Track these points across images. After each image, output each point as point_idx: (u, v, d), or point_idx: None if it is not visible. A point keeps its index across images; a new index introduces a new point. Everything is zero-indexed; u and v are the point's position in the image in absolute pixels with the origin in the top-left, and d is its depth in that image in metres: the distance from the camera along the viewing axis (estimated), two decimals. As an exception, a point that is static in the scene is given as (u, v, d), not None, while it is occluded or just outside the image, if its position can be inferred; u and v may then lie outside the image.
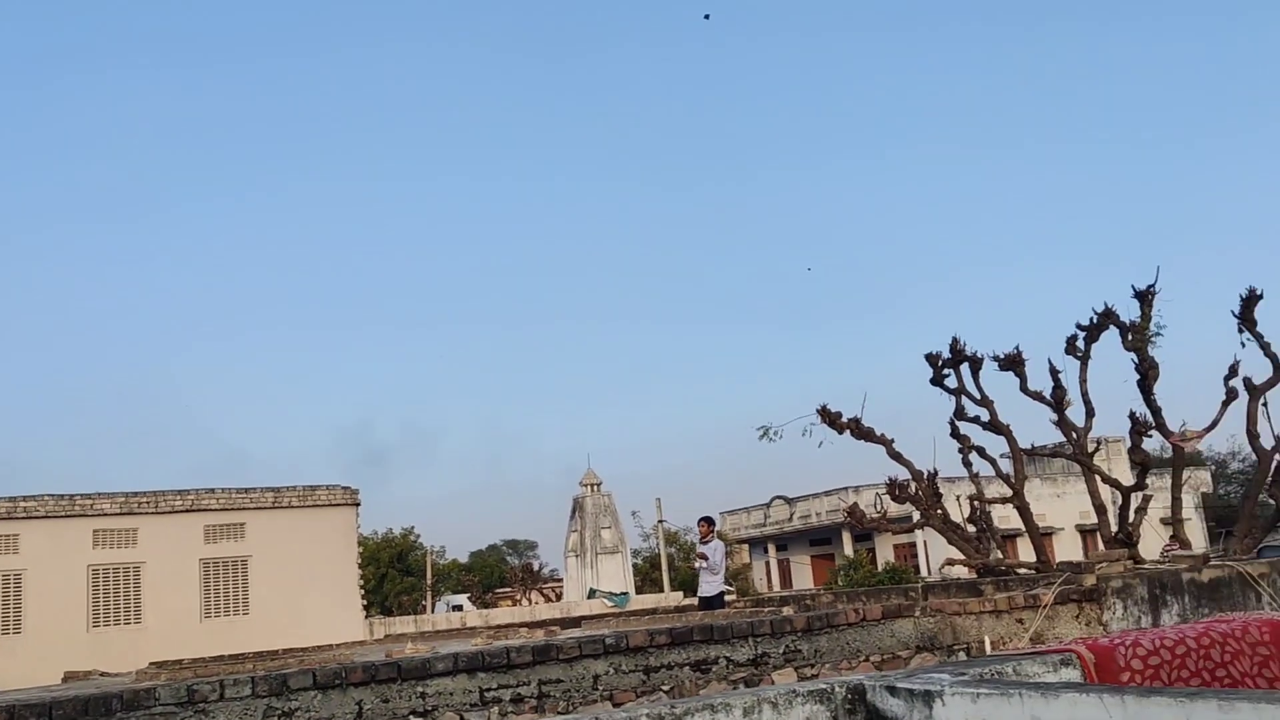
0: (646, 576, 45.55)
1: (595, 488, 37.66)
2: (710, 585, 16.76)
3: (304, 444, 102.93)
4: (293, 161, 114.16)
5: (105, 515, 22.69)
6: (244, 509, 23.92)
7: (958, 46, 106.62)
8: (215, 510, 23.68)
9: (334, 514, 24.69)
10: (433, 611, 46.52)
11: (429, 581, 52.95)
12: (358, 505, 25.19)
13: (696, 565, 17.13)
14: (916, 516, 15.02)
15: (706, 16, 62.70)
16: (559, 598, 42.36)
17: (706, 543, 17.10)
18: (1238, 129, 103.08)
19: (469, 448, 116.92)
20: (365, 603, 25.25)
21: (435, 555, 61.43)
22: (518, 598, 53.02)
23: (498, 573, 67.51)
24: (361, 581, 25.15)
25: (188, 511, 23.42)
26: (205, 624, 22.85)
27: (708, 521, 17.42)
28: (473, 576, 63.62)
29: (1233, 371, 13.13)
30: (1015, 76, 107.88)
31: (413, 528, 62.65)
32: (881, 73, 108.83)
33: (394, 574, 57.31)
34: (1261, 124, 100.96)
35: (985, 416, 14.31)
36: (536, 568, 61.42)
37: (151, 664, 11.19)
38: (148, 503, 23.15)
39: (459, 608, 47.07)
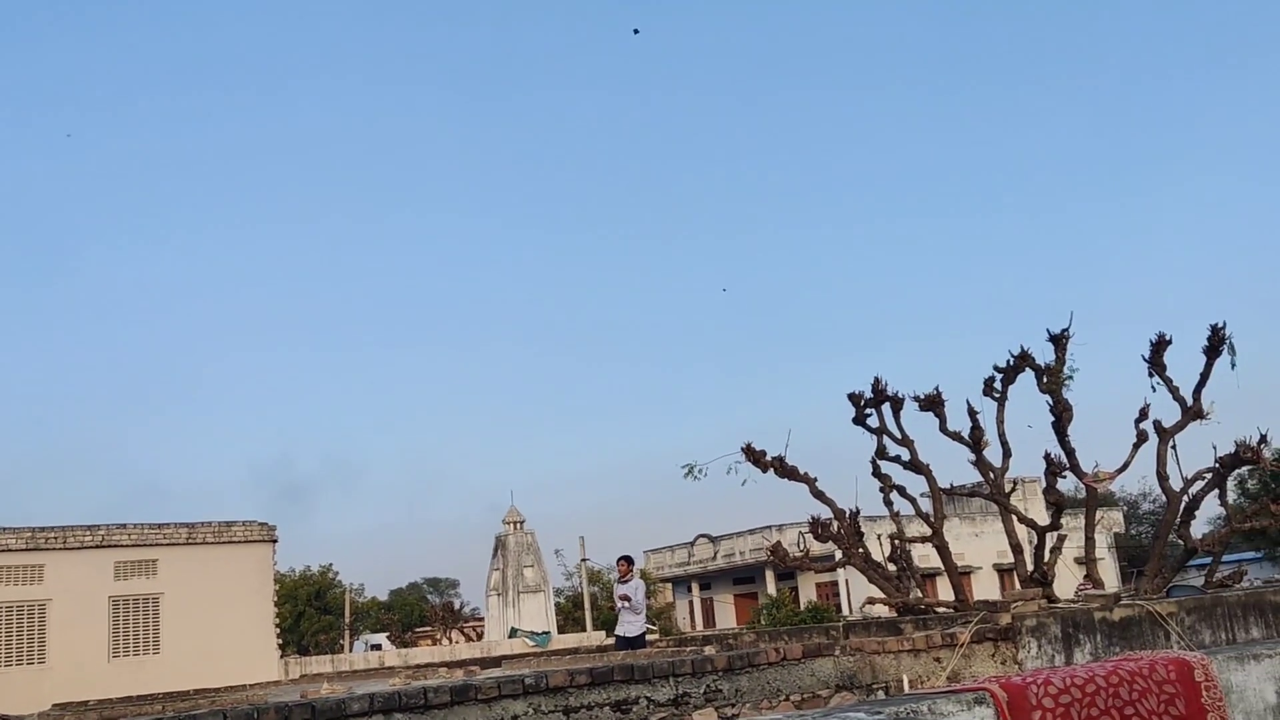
0: (569, 616, 45.21)
1: (518, 525, 37.37)
2: (632, 625, 16.56)
3: (222, 478, 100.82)
4: (211, 198, 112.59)
5: (9, 551, 21.96)
6: (157, 545, 23.33)
7: (886, 106, 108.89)
8: (126, 546, 23.06)
9: (250, 551, 24.19)
10: (350, 651, 45.63)
11: (347, 620, 51.98)
12: (275, 542, 24.71)
13: (619, 605, 16.70)
14: (838, 555, 15.13)
15: (636, 31, 63.48)
16: (480, 637, 41.84)
17: (626, 581, 16.91)
18: (1148, 185, 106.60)
19: (391, 483, 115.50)
20: (281, 642, 24.72)
21: (354, 593, 60.38)
22: (438, 637, 52.28)
23: (418, 611, 66.54)
24: (277, 620, 24.63)
25: (98, 547, 22.77)
26: (114, 664, 22.17)
27: (627, 560, 17.25)
28: (392, 615, 62.64)
29: (1143, 414, 13.48)
30: (941, 132, 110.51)
31: (331, 565, 61.54)
32: (810, 128, 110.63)
33: (311, 612, 56.16)
34: (1171, 180, 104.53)
35: (906, 456, 14.51)
36: (457, 606, 60.67)
37: (55, 705, 10.82)
38: (55, 538, 22.46)
39: (377, 647, 46.29)
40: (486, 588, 36.94)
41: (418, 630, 59.86)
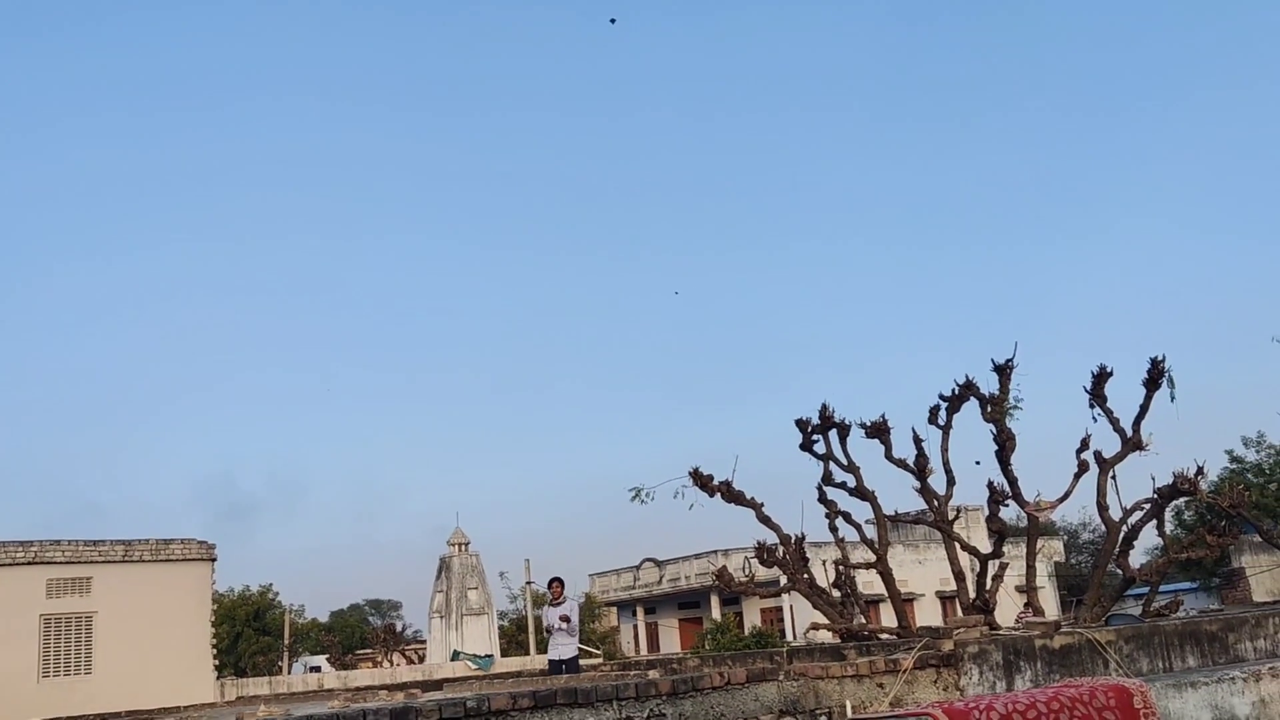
0: (512, 639, 44.86)
1: (463, 547, 37.06)
2: (568, 647, 16.50)
3: (164, 496, 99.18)
4: (153, 215, 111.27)
5: (-63, 567, 21.35)
6: (91, 562, 22.77)
7: (834, 139, 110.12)
8: (60, 563, 22.49)
9: (188, 569, 23.69)
10: (289, 672, 44.86)
11: (286, 641, 51.17)
12: (213, 560, 24.23)
13: (557, 626, 16.50)
14: (783, 580, 15.17)
15: (612, 20, 63.79)
16: (422, 660, 41.38)
17: (560, 603, 16.78)
18: (1089, 224, 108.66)
19: (335, 503, 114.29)
20: (217, 663, 24.21)
21: (294, 614, 59.46)
22: (379, 659, 51.68)
23: (359, 633, 65.71)
24: (214, 640, 24.13)
25: (29, 564, 22.19)
26: (44, 684, 21.58)
27: (560, 582, 17.22)
28: (333, 636, 61.80)
29: (1084, 445, 13.66)
30: (889, 165, 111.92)
31: (271, 585, 60.57)
32: (761, 156, 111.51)
33: (250, 633, 55.19)
34: (1111, 219, 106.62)
35: (852, 482, 14.59)
36: (399, 629, 59.98)
37: (-21, 726, 10.52)
38: (-15, 554, 21.88)
39: (317, 669, 45.53)
40: (429, 610, 36.56)
41: (358, 652, 59.09)
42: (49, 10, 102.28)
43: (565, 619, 16.44)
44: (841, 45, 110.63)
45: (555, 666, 16.13)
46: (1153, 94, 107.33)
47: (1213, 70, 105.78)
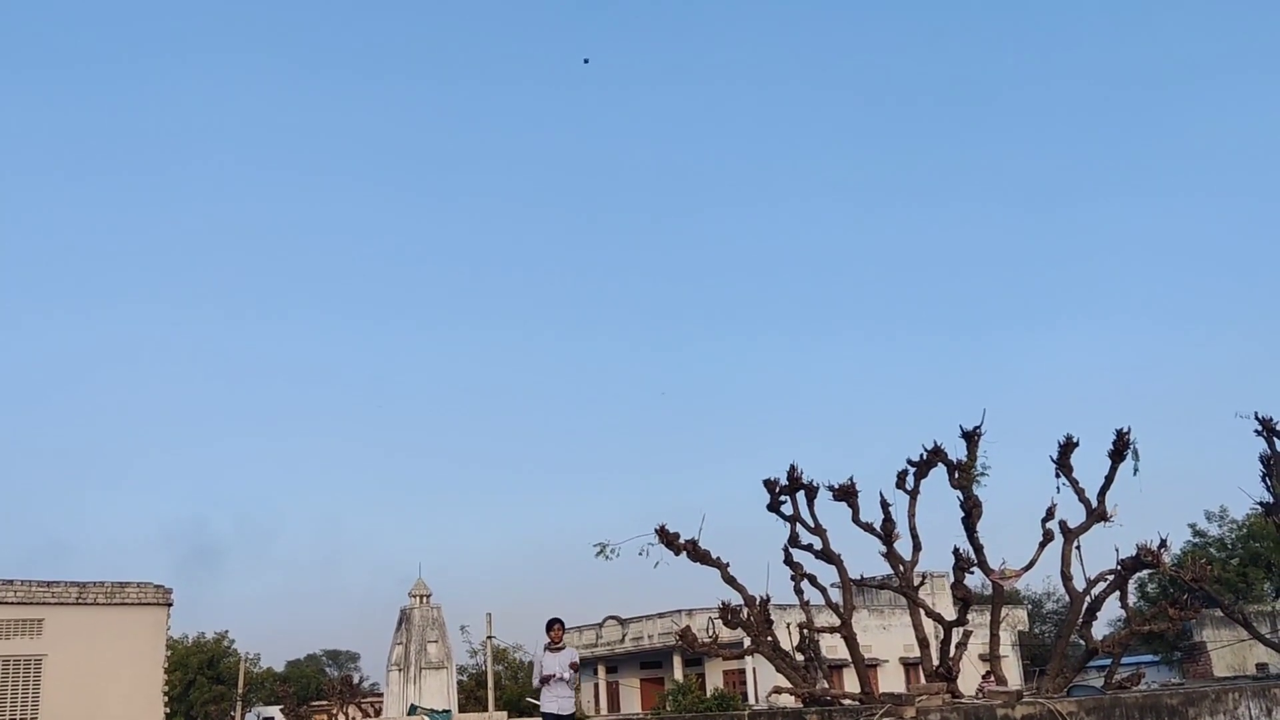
0: (471, 694, 44.26)
1: (425, 599, 36.63)
2: (568, 700, 14.49)
3: (132, 536, 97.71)
4: (127, 268, 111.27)
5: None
6: (44, 604, 22.39)
7: (804, 213, 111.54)
8: (11, 604, 22.09)
9: (143, 613, 23.32)
10: (242, 723, 44.00)
11: (240, 690, 50.22)
12: (170, 605, 23.87)
13: (558, 675, 14.15)
14: (747, 642, 15.03)
15: (586, 60, 64.52)
16: (378, 713, 40.66)
17: (560, 649, 14.50)
18: (1062, 303, 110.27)
19: (298, 552, 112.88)
20: (168, 710, 23.77)
21: (249, 663, 58.44)
22: (334, 712, 50.67)
23: (315, 684, 64.58)
24: (166, 688, 23.69)
25: (-20, 604, 21.77)
26: (-14, 728, 21.09)
27: (560, 624, 14.70)
28: (288, 687, 60.66)
29: (1049, 514, 13.69)
30: (854, 243, 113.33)
31: (227, 632, 59.59)
32: (740, 224, 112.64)
33: (203, 681, 54.18)
34: (1084, 299, 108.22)
35: (818, 545, 14.54)
36: (356, 681, 58.98)
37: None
38: (-66, 593, 21.45)
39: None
40: (388, 662, 36.03)
41: (313, 704, 57.99)
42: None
43: (575, 667, 14.44)
44: (814, 135, 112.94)
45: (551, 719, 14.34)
46: (1112, 193, 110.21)
47: (1168, 172, 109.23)
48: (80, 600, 22.79)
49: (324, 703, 55.87)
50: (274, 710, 52.50)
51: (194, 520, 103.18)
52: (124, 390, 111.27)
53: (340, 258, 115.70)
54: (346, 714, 49.36)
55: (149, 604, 23.52)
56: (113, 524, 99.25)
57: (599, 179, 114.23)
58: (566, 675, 14.13)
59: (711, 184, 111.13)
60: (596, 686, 55.10)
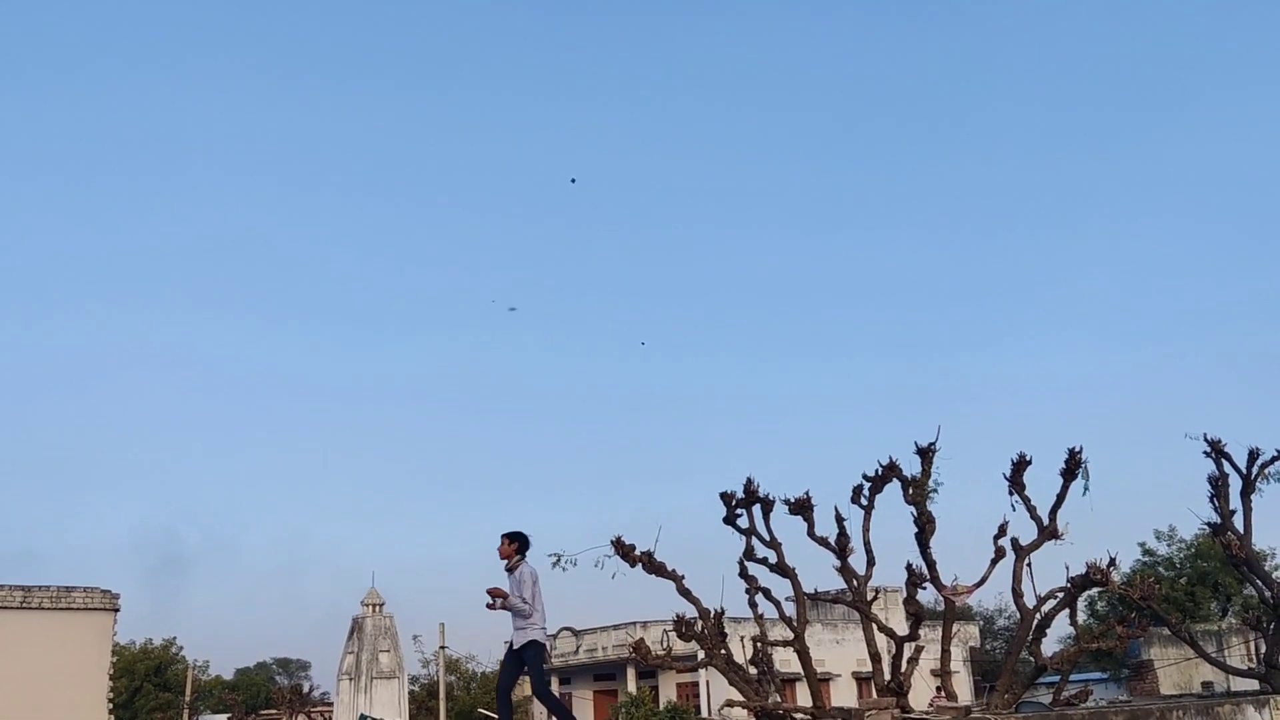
0: (423, 705, 43.90)
1: (377, 608, 36.33)
2: (520, 633, 11.53)
3: (100, 543, 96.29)
4: (96, 275, 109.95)
5: None
6: (-14, 608, 21.98)
7: (762, 224, 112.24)
8: (-47, 607, 21.68)
9: (89, 619, 22.94)
10: (188, 731, 43.38)
11: (187, 698, 49.52)
12: (116, 610, 23.50)
13: (519, 604, 11.24)
14: (701, 655, 15.03)
15: (573, 180, 65.30)
16: (328, 723, 40.20)
17: (515, 568, 11.48)
18: (1015, 322, 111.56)
19: (249, 558, 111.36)
20: (113, 717, 23.37)
21: (197, 670, 57.64)
22: (283, 720, 50.08)
23: (264, 693, 63.78)
24: (111, 694, 23.31)
25: (-80, 607, 21.35)
26: (-76, 734, 20.65)
27: (508, 538, 11.62)
28: (236, 695, 59.86)
29: (1002, 531, 13.82)
30: (812, 256, 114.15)
31: (175, 639, 58.72)
32: (695, 244, 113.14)
33: (149, 688, 53.32)
34: (1037, 318, 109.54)
35: (773, 558, 14.58)
36: (306, 689, 58.34)
37: None
38: None
39: (217, 728, 44.07)
40: (339, 671, 35.68)
41: (262, 713, 57.26)
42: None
43: (501, 595, 11.36)
44: (774, 155, 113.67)
45: (517, 659, 11.86)
46: (1066, 214, 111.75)
47: (1121, 193, 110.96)
48: (25, 605, 22.40)
49: (273, 711, 55.21)
50: (222, 718, 51.80)
51: (164, 529, 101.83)
52: (95, 399, 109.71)
53: (308, 269, 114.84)
54: (295, 723, 48.79)
55: (95, 609, 23.16)
56: (82, 532, 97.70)
57: (562, 193, 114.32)
58: (514, 601, 11.28)
59: (678, 201, 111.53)
60: (549, 698, 54.78)
